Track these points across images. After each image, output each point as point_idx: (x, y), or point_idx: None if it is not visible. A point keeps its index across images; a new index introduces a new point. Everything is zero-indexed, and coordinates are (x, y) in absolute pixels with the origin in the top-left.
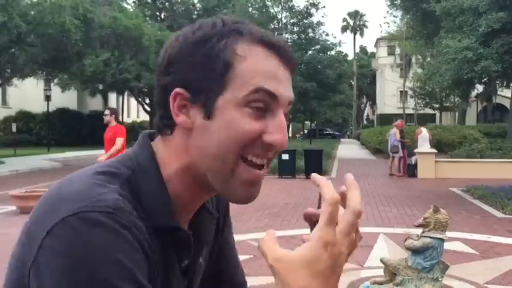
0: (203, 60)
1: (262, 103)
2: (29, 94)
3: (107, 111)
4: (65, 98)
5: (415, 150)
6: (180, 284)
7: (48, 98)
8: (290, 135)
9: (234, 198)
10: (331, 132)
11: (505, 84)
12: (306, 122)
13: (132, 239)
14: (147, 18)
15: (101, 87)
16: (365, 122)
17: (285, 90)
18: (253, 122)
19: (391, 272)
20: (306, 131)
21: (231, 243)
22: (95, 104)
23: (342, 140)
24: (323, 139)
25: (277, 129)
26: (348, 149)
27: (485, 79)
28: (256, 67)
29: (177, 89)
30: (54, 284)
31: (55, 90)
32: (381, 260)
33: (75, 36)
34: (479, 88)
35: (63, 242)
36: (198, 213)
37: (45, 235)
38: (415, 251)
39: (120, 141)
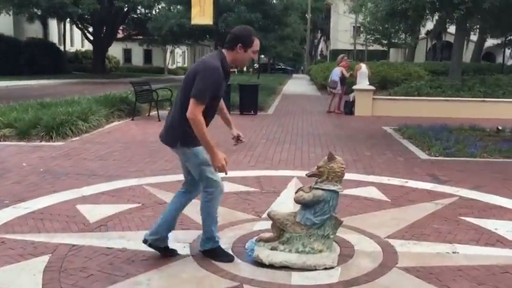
0: None
1: None
2: None
3: None
4: None
5: (354, 87)
6: (225, 82)
7: None
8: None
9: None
10: (283, 67)
11: (448, 21)
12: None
13: (220, 72)
14: None
15: (39, 12)
16: (319, 57)
17: None
18: None
19: (279, 228)
20: (257, 65)
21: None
22: (33, 30)
23: (294, 75)
24: (274, 74)
25: None
26: (296, 85)
27: (422, 12)
28: None
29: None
30: (202, 76)
31: None
32: (268, 214)
33: None
34: (430, 26)
35: (206, 69)
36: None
37: (202, 68)
38: (305, 205)
39: None
